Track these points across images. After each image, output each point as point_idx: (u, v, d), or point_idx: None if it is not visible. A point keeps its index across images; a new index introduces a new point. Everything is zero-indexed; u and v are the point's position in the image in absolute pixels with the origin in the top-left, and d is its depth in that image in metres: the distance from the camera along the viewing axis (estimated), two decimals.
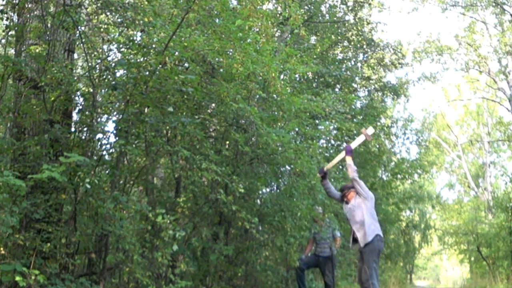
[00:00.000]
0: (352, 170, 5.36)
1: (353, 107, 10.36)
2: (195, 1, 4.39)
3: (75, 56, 6.43)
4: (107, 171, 4.86)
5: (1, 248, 3.86)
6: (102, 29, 5.54)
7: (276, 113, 6.45)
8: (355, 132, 9.47)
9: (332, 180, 8.74)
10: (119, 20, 5.90)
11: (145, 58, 4.66)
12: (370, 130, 5.52)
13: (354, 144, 5.59)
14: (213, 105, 5.98)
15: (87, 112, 4.95)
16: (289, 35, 9.10)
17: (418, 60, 18.67)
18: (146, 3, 5.07)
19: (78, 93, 5.19)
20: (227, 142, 6.41)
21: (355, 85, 12.20)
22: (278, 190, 7.44)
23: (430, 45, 18.71)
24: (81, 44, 5.09)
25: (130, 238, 4.27)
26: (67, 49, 5.28)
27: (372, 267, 5.21)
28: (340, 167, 11.56)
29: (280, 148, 5.82)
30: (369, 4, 12.99)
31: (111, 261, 4.50)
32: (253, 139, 6.16)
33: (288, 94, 5.85)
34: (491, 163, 24.66)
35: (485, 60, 18.45)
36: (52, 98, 4.72)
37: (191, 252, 6.06)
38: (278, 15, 8.52)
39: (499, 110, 23.37)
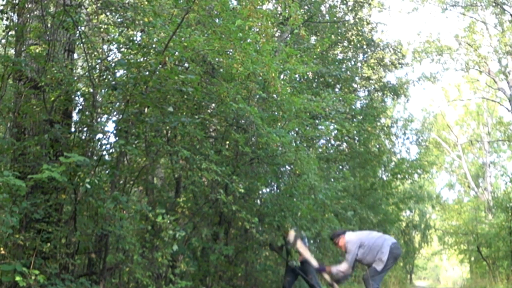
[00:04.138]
0: (340, 273, 5.51)
1: (353, 107, 10.37)
2: (195, 1, 4.39)
3: (75, 56, 6.43)
4: (107, 171, 4.85)
5: (1, 248, 3.85)
6: (102, 29, 5.54)
7: (276, 113, 6.45)
8: (355, 132, 9.49)
9: (332, 180, 8.75)
10: (119, 20, 5.90)
11: (145, 58, 4.66)
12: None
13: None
14: (213, 105, 5.98)
15: (87, 112, 4.95)
16: (289, 35, 9.10)
17: (418, 60, 18.67)
18: (146, 3, 5.07)
19: (78, 93, 5.19)
20: (227, 142, 6.41)
21: (355, 85, 12.20)
22: (278, 190, 7.43)
23: (430, 45, 18.71)
24: (81, 44, 5.09)
25: (130, 238, 4.27)
26: (67, 49, 5.28)
27: (377, 273, 5.30)
28: (341, 167, 11.58)
29: (280, 148, 5.82)
30: (369, 4, 12.99)
31: (111, 261, 4.49)
32: (253, 139, 6.16)
33: (288, 94, 5.85)
34: (491, 163, 24.67)
35: (485, 60, 18.45)
36: (52, 98, 4.72)
37: (191, 252, 6.06)
38: (278, 15, 8.52)
39: (499, 110, 23.39)
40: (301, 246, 5.99)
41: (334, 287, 5.63)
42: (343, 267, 5.48)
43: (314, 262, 5.84)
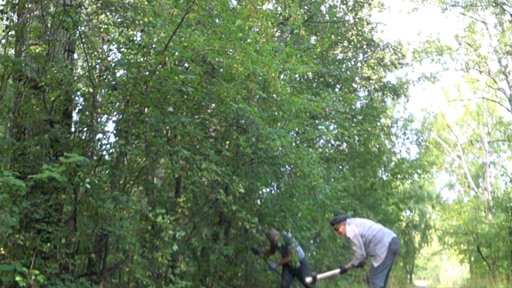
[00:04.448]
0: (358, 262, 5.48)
1: (353, 107, 10.36)
2: (195, 1, 4.39)
3: (75, 56, 6.43)
4: (107, 171, 4.85)
5: (1, 248, 3.85)
6: (102, 29, 5.54)
7: (276, 113, 6.44)
8: (355, 132, 9.49)
9: (332, 180, 8.75)
10: (119, 20, 5.90)
11: (145, 58, 4.66)
12: None
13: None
14: (213, 105, 5.98)
15: (87, 112, 4.95)
16: (289, 35, 9.10)
17: (418, 60, 18.67)
18: (146, 3, 5.07)
19: (78, 93, 5.18)
20: (227, 142, 6.41)
21: (355, 85, 12.20)
22: (278, 190, 7.43)
23: (430, 45, 18.70)
24: (81, 44, 5.09)
25: (130, 238, 4.26)
26: (67, 49, 5.28)
27: (376, 270, 5.29)
28: (341, 167, 11.58)
29: (280, 148, 5.82)
30: (369, 4, 12.99)
31: (111, 261, 4.49)
32: (253, 139, 6.16)
33: (288, 94, 5.85)
34: (491, 163, 24.66)
35: (485, 60, 18.45)
36: (52, 98, 4.72)
37: (191, 252, 6.06)
38: (278, 15, 8.52)
39: (499, 110, 23.38)
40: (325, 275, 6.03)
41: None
42: (356, 261, 5.45)
43: (335, 271, 5.87)
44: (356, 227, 5.46)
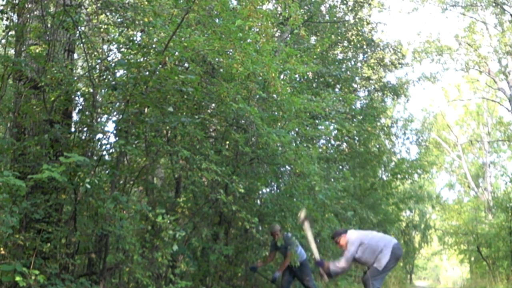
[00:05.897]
0: (338, 270, 5.48)
1: (353, 107, 10.37)
2: (195, 1, 4.39)
3: (75, 56, 6.43)
4: (107, 171, 4.85)
5: (1, 248, 3.85)
6: (102, 29, 5.54)
7: (276, 113, 6.44)
8: (355, 132, 9.50)
9: (332, 180, 8.75)
10: (119, 20, 5.90)
11: (145, 58, 4.66)
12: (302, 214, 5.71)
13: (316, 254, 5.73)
14: (213, 105, 5.98)
15: (87, 112, 4.95)
16: (289, 35, 9.10)
17: (418, 60, 18.68)
18: (146, 3, 5.07)
19: (78, 93, 5.19)
20: (227, 142, 6.41)
21: (355, 85, 12.21)
22: (278, 190, 7.43)
23: (430, 45, 18.71)
24: (81, 44, 5.09)
25: (130, 238, 4.26)
26: (67, 49, 5.28)
27: (379, 273, 5.30)
28: (341, 167, 11.58)
29: (280, 148, 5.82)
30: (369, 4, 12.99)
31: (111, 261, 4.49)
32: (253, 139, 6.16)
33: (288, 94, 5.85)
34: (491, 163, 24.67)
35: (485, 60, 18.45)
36: (52, 98, 4.72)
37: (191, 252, 6.06)
38: (278, 15, 8.53)
39: (499, 110, 23.40)
40: (307, 229, 5.79)
41: (324, 278, 5.62)
42: (341, 263, 5.47)
43: (316, 254, 5.81)
44: (357, 236, 5.49)
